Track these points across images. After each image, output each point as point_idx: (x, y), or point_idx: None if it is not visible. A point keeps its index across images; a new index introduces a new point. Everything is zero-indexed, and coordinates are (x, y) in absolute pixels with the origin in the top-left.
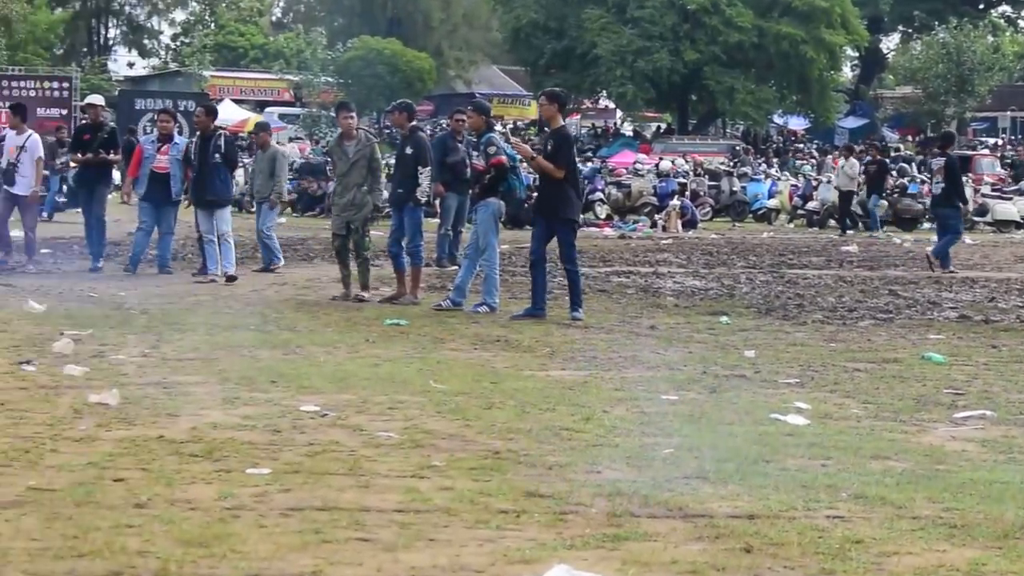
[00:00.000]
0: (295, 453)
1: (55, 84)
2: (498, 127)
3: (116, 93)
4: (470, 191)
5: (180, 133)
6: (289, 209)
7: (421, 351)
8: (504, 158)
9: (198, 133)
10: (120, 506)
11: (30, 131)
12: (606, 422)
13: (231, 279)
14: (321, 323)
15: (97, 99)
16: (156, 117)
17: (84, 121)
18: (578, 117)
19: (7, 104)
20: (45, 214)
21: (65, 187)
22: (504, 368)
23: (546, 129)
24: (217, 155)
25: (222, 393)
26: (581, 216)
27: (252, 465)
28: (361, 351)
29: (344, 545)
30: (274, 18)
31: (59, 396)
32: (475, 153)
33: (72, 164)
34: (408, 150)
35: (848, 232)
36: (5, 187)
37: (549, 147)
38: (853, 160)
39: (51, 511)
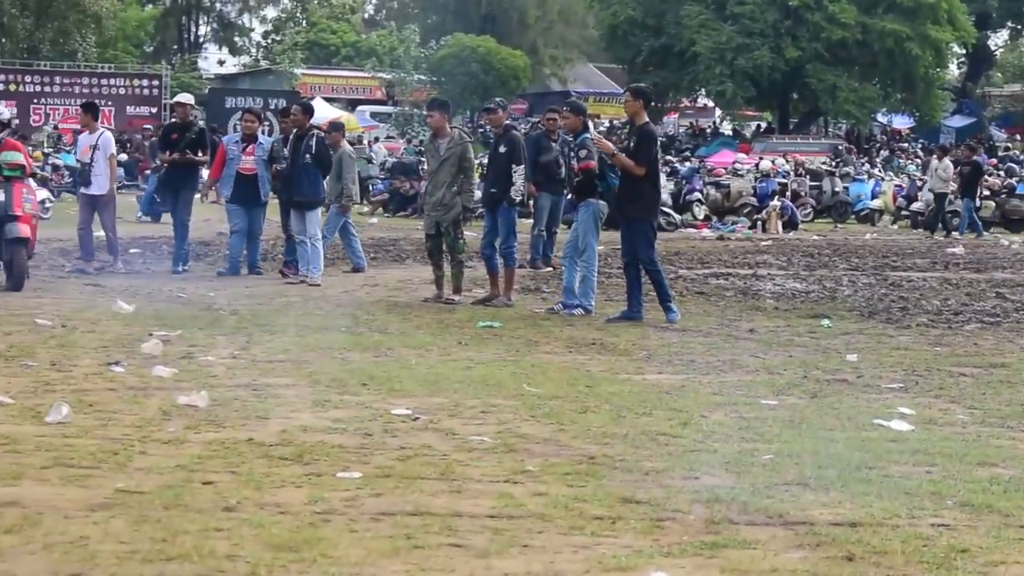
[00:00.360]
0: (386, 457)
1: (145, 82)
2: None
3: (206, 91)
4: (565, 192)
5: (268, 133)
6: (380, 209)
7: (515, 354)
8: (594, 163)
9: (293, 131)
10: (209, 509)
11: (102, 129)
12: (704, 427)
13: (314, 285)
14: (413, 325)
15: (186, 98)
16: (242, 116)
17: (173, 120)
18: (676, 116)
19: (79, 103)
20: (144, 215)
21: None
22: (599, 371)
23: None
24: (308, 155)
25: (312, 396)
26: (678, 217)
27: (343, 469)
28: (453, 354)
29: (436, 551)
30: (366, 15)
31: (148, 398)
32: (572, 153)
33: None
34: (502, 149)
35: (954, 234)
36: (82, 189)
37: (632, 144)
38: (947, 161)
39: (140, 513)
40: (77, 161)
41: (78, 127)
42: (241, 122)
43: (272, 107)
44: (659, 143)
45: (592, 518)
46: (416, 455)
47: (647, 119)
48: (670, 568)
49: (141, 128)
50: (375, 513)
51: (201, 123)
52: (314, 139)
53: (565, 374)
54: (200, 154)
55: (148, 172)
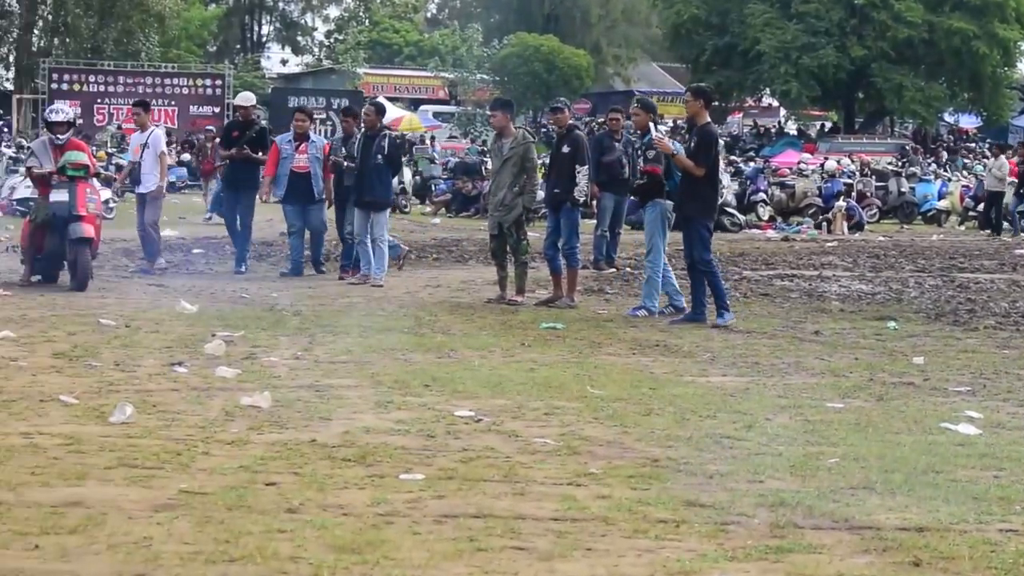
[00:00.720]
0: (449, 459)
1: (208, 81)
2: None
3: (269, 91)
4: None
5: (332, 133)
6: (443, 210)
7: (578, 355)
8: (660, 167)
9: (363, 131)
10: (272, 510)
11: (153, 127)
12: (769, 430)
13: (377, 286)
14: (476, 326)
15: (246, 99)
16: (295, 116)
17: (235, 118)
18: (740, 115)
19: (133, 102)
20: (212, 215)
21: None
22: (663, 373)
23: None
24: (379, 156)
25: (375, 397)
26: (743, 217)
27: (405, 471)
28: (516, 355)
29: (499, 554)
30: (429, 14)
31: (211, 398)
32: (640, 153)
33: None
34: (565, 149)
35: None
36: (137, 189)
37: (692, 144)
38: (1003, 160)
39: (203, 514)
40: (128, 161)
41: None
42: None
43: (335, 107)
44: (720, 143)
45: (656, 521)
46: (479, 457)
47: (708, 119)
48: (735, 572)
49: (203, 129)
50: (438, 515)
51: (263, 122)
52: (386, 139)
53: (629, 376)
54: (261, 153)
55: (214, 171)
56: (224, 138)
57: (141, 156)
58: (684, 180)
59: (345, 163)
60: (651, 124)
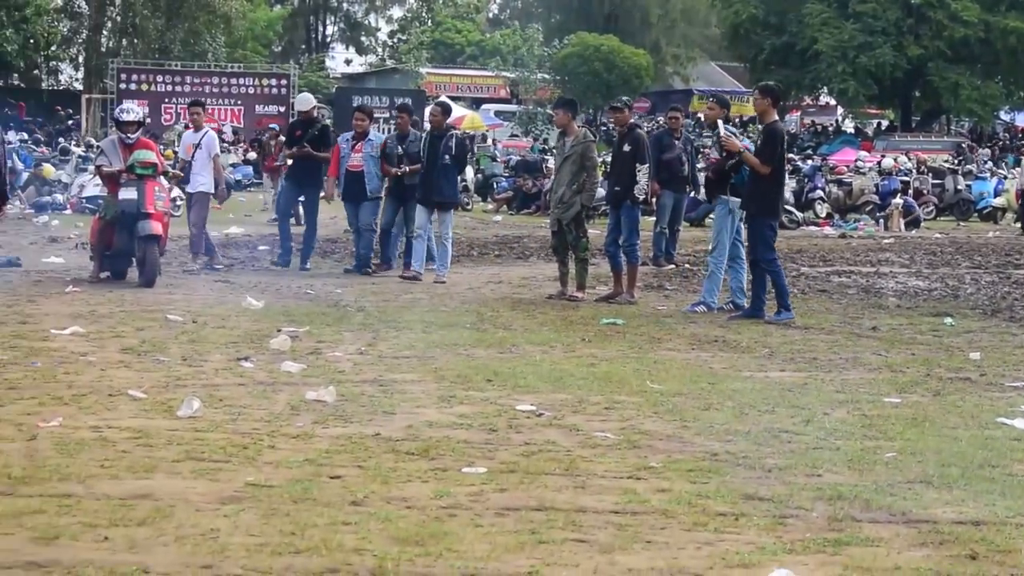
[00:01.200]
0: (511, 452)
1: (273, 81)
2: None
3: (333, 90)
4: (688, 190)
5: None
6: (505, 207)
7: (638, 351)
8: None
9: (428, 131)
10: (337, 503)
11: (207, 128)
12: (826, 424)
13: (440, 282)
14: (537, 322)
15: (307, 102)
16: (355, 115)
17: (298, 117)
18: (798, 114)
19: (190, 101)
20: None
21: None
22: (722, 369)
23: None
24: (447, 156)
25: (438, 391)
26: (800, 215)
27: (468, 464)
28: (577, 350)
29: (560, 546)
30: (491, 15)
31: (276, 393)
32: (714, 145)
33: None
34: (626, 147)
35: None
36: (186, 188)
37: (758, 142)
38: None
39: (269, 507)
40: (180, 159)
41: (210, 125)
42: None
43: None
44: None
45: (715, 514)
46: (540, 451)
47: (775, 118)
48: (793, 565)
49: (267, 127)
50: (500, 508)
51: (325, 121)
52: (453, 139)
53: (688, 371)
54: (323, 151)
55: (277, 169)
56: (287, 137)
57: (193, 156)
58: (750, 178)
59: (398, 168)
60: (719, 121)
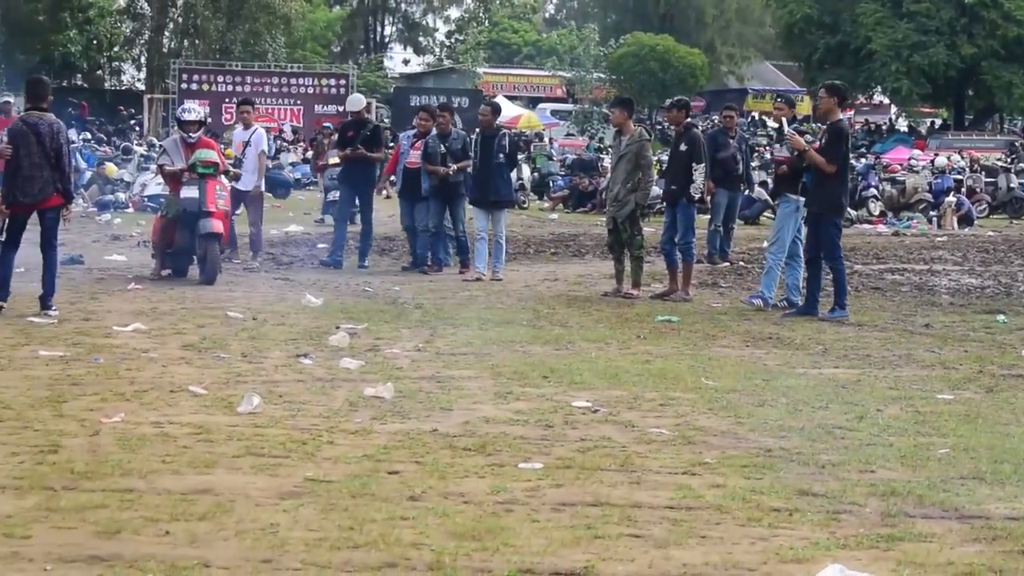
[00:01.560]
0: (567, 448)
1: (332, 81)
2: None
3: (391, 90)
4: (742, 188)
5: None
6: (560, 205)
7: (692, 348)
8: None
9: (478, 131)
10: (394, 498)
11: (256, 126)
12: (880, 421)
13: (496, 279)
14: (592, 319)
15: (358, 103)
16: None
17: (349, 118)
18: (851, 112)
19: (240, 100)
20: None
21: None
22: (776, 365)
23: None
24: (501, 155)
25: (495, 388)
26: (854, 213)
27: (524, 460)
28: (632, 347)
29: (616, 541)
30: (547, 15)
31: (335, 389)
32: (778, 145)
33: (336, 161)
34: (682, 147)
35: None
36: (235, 186)
37: (823, 141)
38: None
39: (328, 502)
40: (235, 158)
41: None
42: (417, 120)
43: (455, 105)
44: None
45: (769, 510)
46: (596, 447)
47: (840, 116)
48: (846, 560)
49: (321, 126)
50: (556, 503)
51: (376, 122)
52: (505, 138)
53: (742, 368)
54: (375, 151)
55: (324, 169)
56: (339, 138)
57: (243, 153)
58: (815, 177)
59: (444, 168)
60: (783, 120)
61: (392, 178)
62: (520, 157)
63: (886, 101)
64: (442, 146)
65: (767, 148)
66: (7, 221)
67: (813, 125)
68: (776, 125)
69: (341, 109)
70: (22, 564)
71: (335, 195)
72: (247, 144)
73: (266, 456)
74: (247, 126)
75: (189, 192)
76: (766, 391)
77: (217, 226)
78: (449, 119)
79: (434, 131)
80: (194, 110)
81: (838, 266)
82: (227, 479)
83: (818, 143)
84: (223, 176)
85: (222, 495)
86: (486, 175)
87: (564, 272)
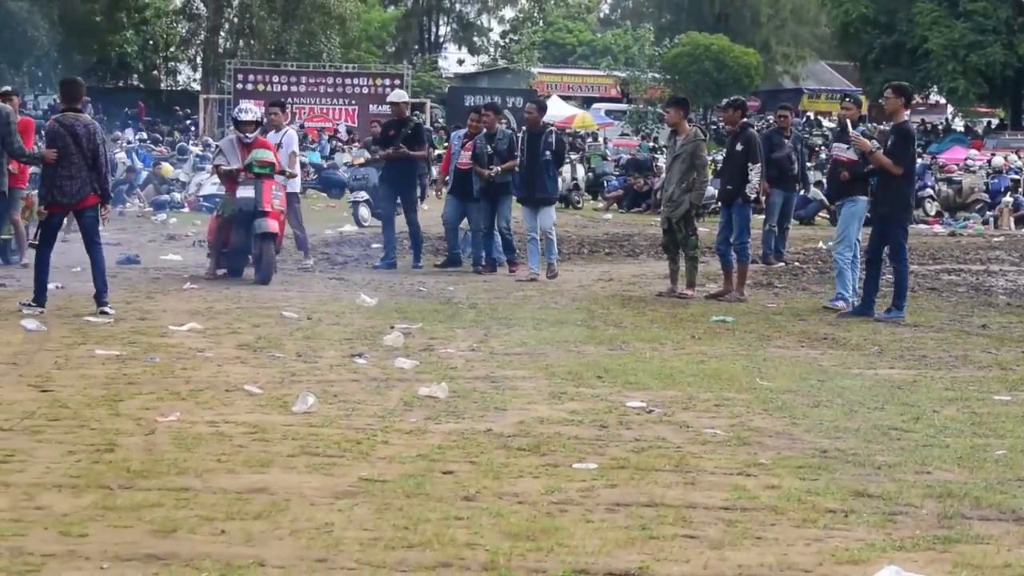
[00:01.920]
0: (621, 449)
1: (387, 81)
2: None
3: (446, 90)
4: (797, 188)
5: (507, 127)
6: (615, 205)
7: (747, 348)
8: (857, 158)
9: (525, 129)
10: (449, 498)
11: (287, 128)
12: (936, 422)
13: (552, 276)
14: (647, 319)
15: (399, 95)
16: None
17: (391, 117)
18: (908, 112)
19: (270, 102)
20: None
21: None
22: (831, 366)
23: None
24: (548, 152)
25: (549, 388)
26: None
27: (579, 460)
28: (687, 348)
29: (670, 542)
30: (602, 15)
31: (390, 389)
32: (843, 146)
33: (362, 160)
34: (738, 147)
35: None
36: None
37: (889, 142)
38: None
39: (382, 502)
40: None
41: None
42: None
43: (509, 105)
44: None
45: (825, 511)
46: (650, 447)
47: (905, 118)
48: (902, 562)
49: (371, 124)
50: (610, 503)
51: (434, 121)
52: (552, 136)
53: (797, 368)
54: (417, 150)
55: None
56: (381, 137)
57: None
58: (881, 178)
59: (489, 170)
60: (848, 122)
61: (447, 178)
62: (574, 157)
63: (942, 101)
64: (488, 146)
65: (822, 148)
66: (40, 223)
67: (869, 125)
68: (838, 124)
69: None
70: (79, 563)
71: (359, 196)
72: (279, 146)
73: (321, 455)
74: (277, 128)
75: (245, 192)
76: (821, 392)
77: (273, 226)
78: (494, 118)
79: (482, 131)
80: (251, 110)
81: (902, 268)
82: (282, 478)
83: (876, 145)
84: (279, 176)
85: (277, 494)
86: (532, 173)
87: (618, 272)
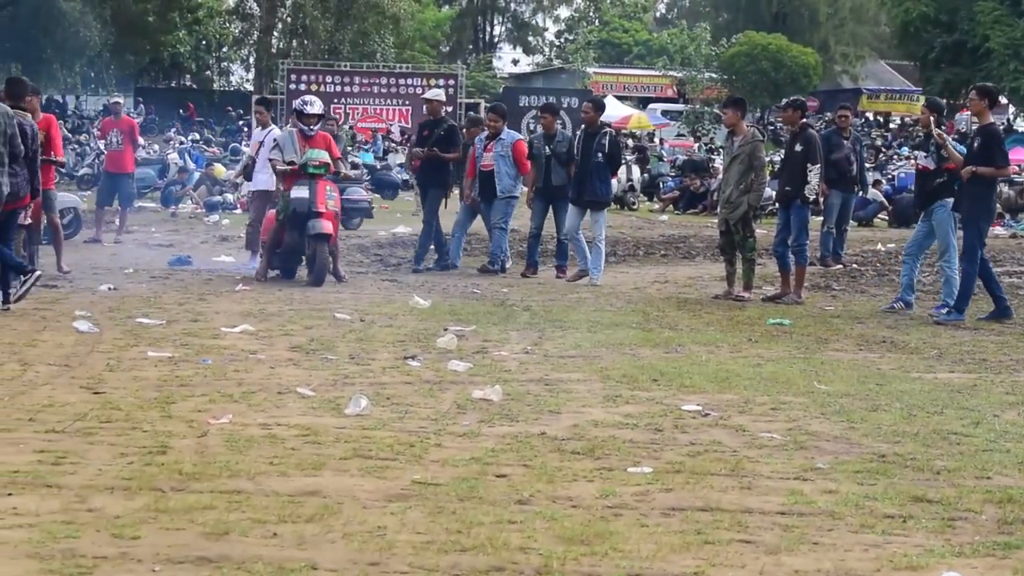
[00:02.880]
0: (677, 452)
1: (441, 81)
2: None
3: (501, 90)
4: (856, 189)
5: (563, 127)
6: (671, 206)
7: (804, 351)
8: (955, 165)
9: (583, 128)
10: (502, 502)
11: (273, 127)
12: (996, 426)
13: (594, 285)
14: (703, 322)
15: (435, 94)
16: (538, 114)
17: (427, 117)
18: (967, 113)
19: (255, 99)
20: None
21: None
22: (890, 370)
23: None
24: (600, 154)
25: (603, 391)
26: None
27: (633, 464)
28: (743, 350)
29: (726, 547)
30: (658, 14)
31: (443, 391)
32: (921, 153)
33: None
34: (798, 147)
35: None
36: (249, 186)
37: (976, 145)
38: None
39: (435, 505)
40: (249, 156)
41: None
42: (538, 120)
43: (564, 105)
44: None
45: (883, 516)
46: (706, 451)
47: (992, 119)
48: (962, 568)
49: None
50: (665, 508)
51: (452, 121)
52: (607, 137)
53: (855, 372)
54: (452, 152)
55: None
56: (417, 137)
57: (257, 153)
58: (966, 181)
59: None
60: (931, 122)
61: (473, 182)
62: (630, 158)
63: (1004, 101)
64: (547, 147)
65: (929, 156)
66: None
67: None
68: (926, 130)
69: (450, 110)
70: (131, 565)
71: None
72: (262, 144)
73: (374, 458)
74: (264, 126)
75: (299, 192)
76: (880, 396)
77: (327, 227)
78: (552, 120)
79: (539, 131)
80: (316, 103)
81: (971, 270)
82: (335, 481)
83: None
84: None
85: (329, 497)
86: (583, 174)
87: (674, 274)
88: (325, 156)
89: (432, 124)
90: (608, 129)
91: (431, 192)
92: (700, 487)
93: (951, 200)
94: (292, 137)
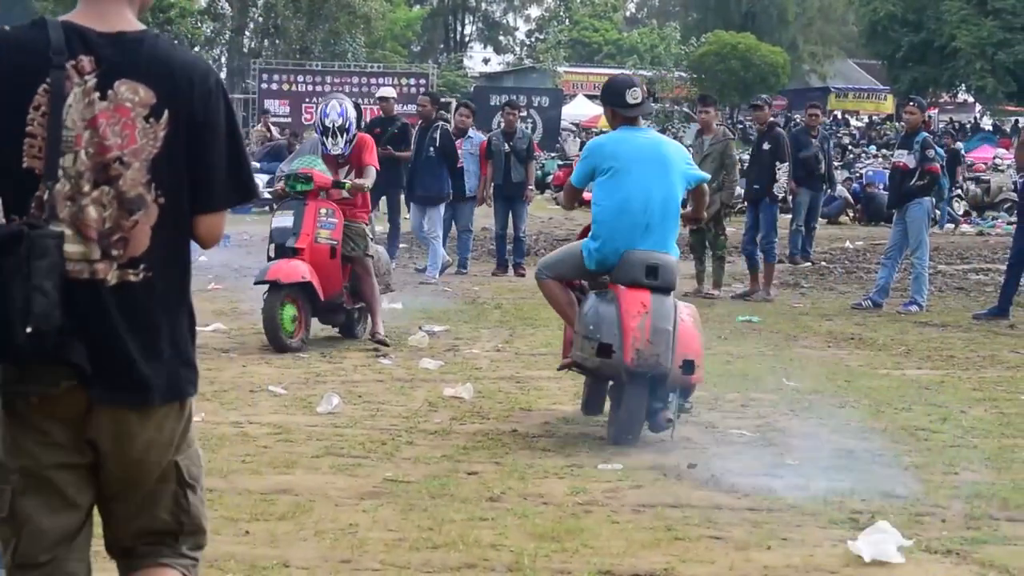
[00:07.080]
0: (647, 449)
1: (412, 81)
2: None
3: (471, 89)
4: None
5: (534, 128)
6: None
7: (774, 348)
8: (938, 166)
9: (419, 122)
10: (474, 499)
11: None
12: (964, 422)
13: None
14: None
15: (387, 92)
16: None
17: (378, 115)
18: (935, 111)
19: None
20: None
21: None
22: (858, 366)
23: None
24: (432, 148)
25: (574, 388)
26: (937, 213)
27: (604, 461)
28: (713, 348)
29: (696, 543)
30: (628, 13)
31: (415, 389)
32: (904, 152)
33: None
34: (765, 146)
35: None
36: None
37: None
38: None
39: (407, 502)
40: None
41: None
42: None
43: (535, 104)
44: None
45: (851, 512)
46: (676, 448)
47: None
48: (929, 563)
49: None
50: (636, 504)
51: (405, 120)
52: (438, 131)
53: (824, 368)
54: (404, 151)
55: None
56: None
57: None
58: None
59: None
60: (921, 124)
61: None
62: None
63: (970, 99)
64: (507, 144)
65: (912, 154)
66: None
67: (897, 125)
68: (903, 128)
69: (421, 109)
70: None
71: None
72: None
73: (345, 456)
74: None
75: (281, 220)
76: (848, 392)
77: (292, 271)
78: (515, 117)
79: (498, 128)
80: (339, 107)
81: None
82: (306, 479)
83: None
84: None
85: (301, 495)
86: (415, 169)
87: None
88: (317, 166)
89: (383, 122)
90: (441, 123)
91: (391, 192)
92: (670, 484)
93: (927, 199)
94: (316, 147)
